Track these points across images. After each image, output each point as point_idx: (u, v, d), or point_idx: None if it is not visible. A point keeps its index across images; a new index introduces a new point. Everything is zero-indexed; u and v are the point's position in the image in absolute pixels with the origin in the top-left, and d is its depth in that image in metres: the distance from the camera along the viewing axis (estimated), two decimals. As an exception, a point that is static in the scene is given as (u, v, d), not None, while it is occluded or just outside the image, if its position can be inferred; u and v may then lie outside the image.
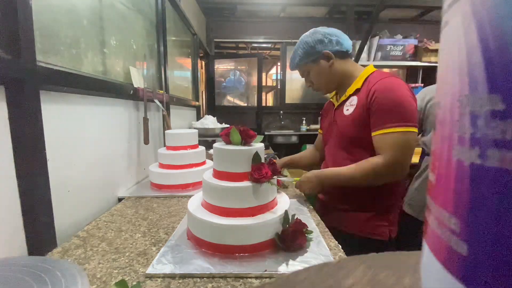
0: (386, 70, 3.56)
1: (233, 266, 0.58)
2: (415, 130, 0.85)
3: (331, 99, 1.14)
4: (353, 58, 1.08)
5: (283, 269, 0.57)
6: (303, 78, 1.13)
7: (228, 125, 0.71)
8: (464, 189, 0.09)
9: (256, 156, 0.66)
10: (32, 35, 0.63)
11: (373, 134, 0.90)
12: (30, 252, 0.64)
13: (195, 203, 0.73)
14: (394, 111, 0.85)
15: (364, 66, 1.05)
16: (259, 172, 0.65)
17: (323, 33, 0.99)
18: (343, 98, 1.02)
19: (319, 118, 1.33)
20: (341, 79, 1.03)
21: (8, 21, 0.58)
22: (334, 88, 1.08)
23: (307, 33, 1.02)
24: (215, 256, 0.61)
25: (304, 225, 0.66)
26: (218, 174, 0.69)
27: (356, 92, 0.97)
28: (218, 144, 0.71)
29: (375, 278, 0.20)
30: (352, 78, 1.01)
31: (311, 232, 0.68)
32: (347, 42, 1.01)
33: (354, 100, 0.97)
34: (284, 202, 0.74)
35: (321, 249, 0.65)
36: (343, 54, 1.02)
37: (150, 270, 0.56)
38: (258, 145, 0.69)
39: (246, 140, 0.68)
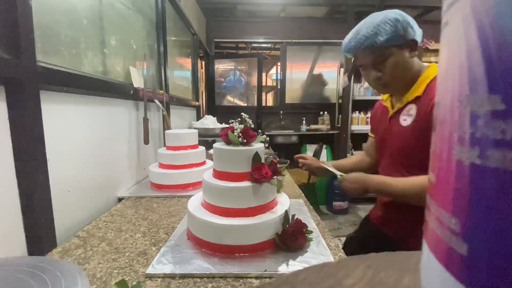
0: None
1: (233, 266, 0.58)
2: None
3: (384, 102, 0.99)
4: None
5: (283, 269, 0.57)
6: (361, 67, 0.91)
7: (228, 125, 0.71)
8: (464, 189, 0.09)
9: (256, 156, 0.66)
10: (32, 35, 0.63)
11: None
12: (30, 252, 0.64)
13: (195, 203, 0.73)
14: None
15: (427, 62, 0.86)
16: (259, 173, 0.65)
17: (409, 17, 0.80)
18: (399, 105, 0.88)
19: (367, 120, 1.23)
20: (410, 78, 0.86)
21: (8, 21, 0.58)
22: (402, 88, 0.88)
23: (387, 11, 0.81)
24: (215, 256, 0.61)
25: (304, 225, 0.66)
26: (218, 174, 0.69)
27: (416, 100, 0.83)
28: (218, 144, 0.71)
29: (375, 278, 0.20)
30: (416, 79, 0.85)
31: (311, 232, 0.68)
32: (420, 35, 0.84)
33: (412, 109, 0.83)
34: (285, 202, 0.74)
35: (321, 249, 0.65)
36: (416, 47, 0.84)
37: (150, 270, 0.56)
38: (258, 145, 0.69)
39: (246, 140, 0.68)
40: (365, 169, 1.10)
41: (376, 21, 0.80)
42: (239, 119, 0.72)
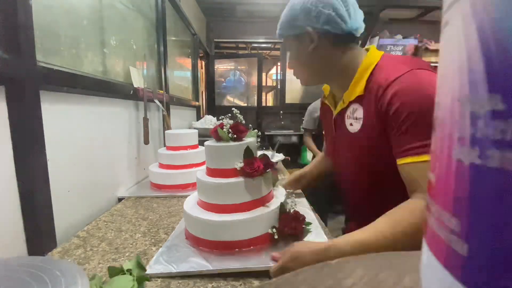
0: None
1: (231, 262, 0.58)
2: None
3: (325, 99, 0.86)
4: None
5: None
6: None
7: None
8: (464, 189, 0.09)
9: (247, 150, 0.66)
10: (32, 35, 0.63)
11: (399, 162, 0.58)
12: (30, 252, 0.64)
13: (191, 202, 0.73)
14: (419, 130, 0.56)
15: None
16: (251, 167, 0.64)
17: (316, 0, 0.66)
18: (341, 104, 0.75)
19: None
20: (329, 73, 0.74)
21: (8, 21, 0.58)
22: (317, 81, 0.79)
23: None
24: (212, 253, 0.61)
25: (301, 215, 0.66)
26: (211, 172, 0.69)
27: (360, 99, 0.68)
28: (209, 142, 0.70)
29: (375, 278, 0.20)
30: (351, 74, 0.70)
31: (310, 223, 0.68)
32: (350, 22, 0.67)
33: (358, 111, 0.69)
34: (280, 196, 0.74)
35: (320, 240, 0.65)
36: (339, 39, 0.69)
37: (148, 271, 0.56)
38: (249, 140, 0.69)
39: (236, 135, 0.68)
40: (329, 167, 0.96)
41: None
42: (229, 115, 0.71)
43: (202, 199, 0.68)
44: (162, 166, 1.13)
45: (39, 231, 0.65)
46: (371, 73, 0.66)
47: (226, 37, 3.72)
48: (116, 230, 0.76)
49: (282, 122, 3.81)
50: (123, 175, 1.12)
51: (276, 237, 0.63)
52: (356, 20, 0.68)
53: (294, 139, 3.53)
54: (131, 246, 0.67)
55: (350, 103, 0.71)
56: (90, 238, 0.71)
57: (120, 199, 1.04)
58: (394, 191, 0.61)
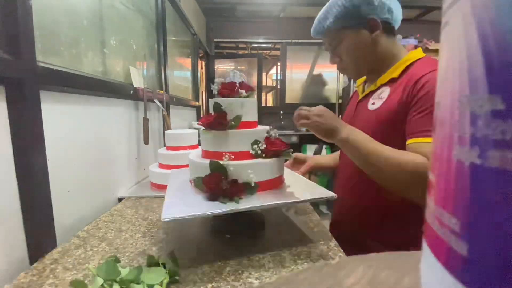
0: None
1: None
2: None
3: (357, 88, 0.90)
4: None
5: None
6: (326, 51, 0.85)
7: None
8: (464, 189, 0.09)
9: (216, 105, 0.68)
10: (32, 35, 0.63)
11: (411, 141, 0.64)
12: (30, 252, 0.64)
13: (194, 154, 0.79)
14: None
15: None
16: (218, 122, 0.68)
17: None
18: (371, 88, 0.79)
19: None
20: (380, 61, 0.77)
21: (8, 21, 0.58)
22: (366, 71, 0.81)
23: None
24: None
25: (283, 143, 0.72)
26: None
27: (391, 82, 0.73)
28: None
29: (375, 278, 0.20)
30: (393, 62, 0.75)
31: (290, 150, 0.74)
32: (399, 13, 0.75)
33: (385, 92, 0.73)
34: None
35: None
36: (391, 29, 0.76)
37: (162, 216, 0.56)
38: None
39: (226, 95, 0.71)
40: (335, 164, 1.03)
41: (328, 3, 0.75)
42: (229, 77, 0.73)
43: (205, 149, 0.73)
44: (162, 166, 1.13)
45: (39, 231, 0.65)
46: (411, 64, 0.73)
47: (226, 37, 3.72)
48: (116, 230, 0.76)
49: (282, 122, 3.80)
50: (123, 175, 1.12)
51: (259, 153, 0.67)
52: (400, 14, 0.76)
53: (294, 139, 3.53)
54: (131, 246, 0.67)
55: (381, 85, 0.76)
56: (90, 238, 0.71)
57: (120, 199, 1.04)
58: None
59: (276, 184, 0.72)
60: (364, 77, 0.87)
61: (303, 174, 0.97)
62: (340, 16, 0.74)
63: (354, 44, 0.76)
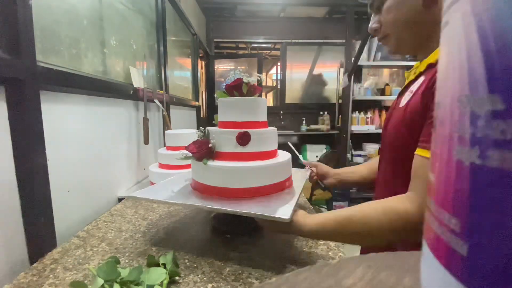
0: (385, 70, 3.57)
1: (234, 205, 0.60)
2: None
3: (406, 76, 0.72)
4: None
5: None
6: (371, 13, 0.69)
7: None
8: (464, 189, 0.09)
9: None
10: (32, 35, 0.63)
11: (417, 152, 0.53)
12: (30, 252, 0.64)
13: None
14: None
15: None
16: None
17: None
18: (410, 78, 0.66)
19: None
20: (428, 35, 0.60)
21: (8, 21, 0.58)
22: (410, 44, 0.64)
23: None
24: (220, 199, 0.65)
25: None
26: (223, 125, 0.75)
27: (427, 69, 0.59)
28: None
29: (375, 278, 0.20)
30: (432, 49, 0.59)
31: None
32: None
33: (417, 83, 0.60)
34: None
35: None
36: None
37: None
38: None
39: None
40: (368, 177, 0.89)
41: None
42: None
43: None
44: (162, 166, 1.13)
45: (39, 231, 0.65)
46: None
47: (226, 37, 3.71)
48: (116, 230, 0.76)
49: (282, 122, 3.80)
50: (123, 175, 1.12)
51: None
52: None
53: (294, 139, 3.53)
54: (131, 246, 0.67)
55: (420, 74, 0.61)
56: (90, 238, 0.71)
57: (120, 199, 1.04)
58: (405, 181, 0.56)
59: (277, 188, 0.70)
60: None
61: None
62: None
63: (404, 7, 0.60)
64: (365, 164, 0.92)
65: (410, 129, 0.57)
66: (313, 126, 3.61)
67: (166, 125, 1.46)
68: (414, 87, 0.61)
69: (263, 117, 0.75)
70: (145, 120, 1.22)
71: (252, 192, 0.66)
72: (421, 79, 0.59)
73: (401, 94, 0.68)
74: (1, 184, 0.59)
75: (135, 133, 1.23)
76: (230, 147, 0.69)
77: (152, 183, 1.14)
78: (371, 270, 0.21)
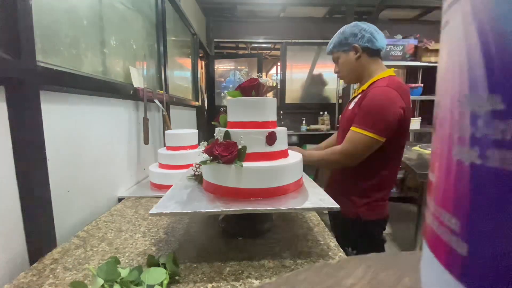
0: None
1: (243, 205, 0.59)
2: (379, 138, 0.97)
3: (354, 90, 1.26)
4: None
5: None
6: (333, 66, 1.25)
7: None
8: (464, 189, 0.09)
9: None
10: (32, 35, 0.63)
11: (351, 128, 1.04)
12: (30, 252, 0.64)
13: None
14: (367, 114, 1.00)
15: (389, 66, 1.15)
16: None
17: (360, 28, 1.07)
18: (355, 94, 1.17)
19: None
20: (362, 74, 1.13)
21: (8, 21, 0.58)
22: (354, 80, 1.18)
23: (348, 24, 1.11)
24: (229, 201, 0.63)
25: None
26: (232, 125, 0.74)
27: (362, 92, 1.09)
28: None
29: (375, 278, 0.20)
30: (369, 78, 1.10)
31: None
32: (380, 42, 1.07)
33: (357, 98, 1.10)
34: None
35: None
36: (372, 52, 1.09)
37: (153, 210, 0.57)
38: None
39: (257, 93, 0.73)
40: None
41: (336, 33, 1.16)
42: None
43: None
44: (162, 166, 1.13)
45: (39, 231, 0.65)
46: (375, 81, 1.07)
47: (226, 37, 3.71)
48: (116, 230, 0.76)
49: (282, 122, 3.80)
50: (123, 175, 1.12)
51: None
52: (382, 41, 1.09)
53: (294, 139, 3.53)
54: (131, 246, 0.67)
55: (358, 94, 1.11)
56: (90, 238, 0.71)
57: (120, 199, 1.04)
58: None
59: (293, 188, 0.70)
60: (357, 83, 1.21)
61: None
62: (337, 43, 1.13)
63: (345, 61, 1.14)
64: (325, 142, 1.43)
65: (351, 120, 1.06)
66: (313, 126, 3.61)
67: (166, 125, 1.46)
68: (356, 100, 1.11)
69: (274, 117, 0.75)
70: (145, 120, 1.22)
71: (280, 191, 0.66)
72: (359, 96, 1.09)
73: (351, 101, 1.18)
74: (1, 184, 0.59)
75: (135, 133, 1.23)
76: (259, 147, 0.68)
77: (152, 183, 1.14)
78: (371, 270, 0.21)
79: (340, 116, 1.35)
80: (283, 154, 0.73)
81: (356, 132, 1.00)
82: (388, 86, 0.99)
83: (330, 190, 1.15)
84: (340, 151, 1.04)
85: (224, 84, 4.10)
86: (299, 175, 0.73)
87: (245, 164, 0.64)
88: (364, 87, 1.09)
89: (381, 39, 1.07)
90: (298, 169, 0.72)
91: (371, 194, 1.08)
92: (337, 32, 1.14)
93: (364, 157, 1.02)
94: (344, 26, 1.11)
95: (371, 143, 0.98)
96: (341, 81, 3.23)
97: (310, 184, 0.75)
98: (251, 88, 0.71)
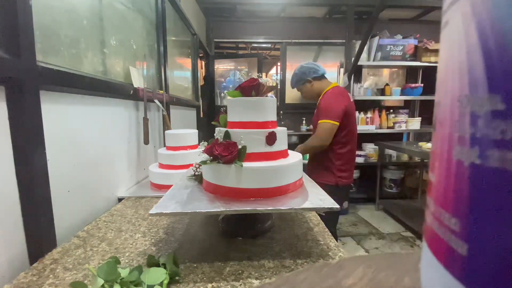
0: (385, 70, 3.57)
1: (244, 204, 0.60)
2: (334, 122, 1.56)
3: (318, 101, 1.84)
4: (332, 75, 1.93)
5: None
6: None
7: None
8: (464, 189, 0.09)
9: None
10: (32, 35, 0.63)
11: (319, 122, 1.61)
12: (30, 252, 0.64)
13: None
14: (324, 110, 1.60)
15: (331, 81, 1.77)
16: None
17: (306, 67, 1.71)
18: (318, 103, 1.74)
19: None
20: (318, 92, 1.72)
21: (8, 21, 0.58)
22: (316, 97, 1.75)
23: (297, 67, 1.74)
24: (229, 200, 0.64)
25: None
26: (232, 125, 0.73)
27: (320, 101, 1.69)
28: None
29: (375, 278, 0.20)
30: (322, 91, 1.70)
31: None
32: (321, 70, 1.71)
33: (318, 105, 1.71)
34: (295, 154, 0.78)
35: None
36: (320, 77, 1.72)
37: (153, 210, 0.57)
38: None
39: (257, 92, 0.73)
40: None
41: (292, 74, 1.78)
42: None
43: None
44: (162, 166, 1.13)
45: (39, 231, 0.65)
46: (325, 92, 1.68)
47: (226, 37, 3.71)
48: (116, 230, 0.76)
49: (282, 122, 3.80)
50: (123, 175, 1.12)
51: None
52: (322, 69, 1.73)
53: (294, 139, 3.53)
54: (131, 246, 0.67)
55: (317, 103, 1.72)
56: (90, 238, 0.71)
57: (120, 199, 1.04)
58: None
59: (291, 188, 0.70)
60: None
61: None
62: (296, 81, 1.76)
63: (306, 90, 1.76)
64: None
65: (316, 120, 1.68)
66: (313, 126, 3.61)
67: (166, 125, 1.46)
68: (318, 105, 1.70)
69: (274, 117, 0.75)
70: (145, 120, 1.22)
71: (280, 191, 0.66)
72: (318, 104, 1.70)
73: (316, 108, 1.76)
74: (1, 184, 0.59)
75: (135, 133, 1.23)
76: (259, 147, 0.68)
77: (152, 183, 1.14)
78: (371, 270, 0.21)
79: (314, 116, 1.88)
80: (283, 154, 0.73)
81: (320, 123, 1.59)
82: (332, 92, 1.64)
83: (311, 164, 1.83)
84: (313, 136, 1.64)
85: (224, 84, 4.10)
86: (299, 175, 0.73)
87: (245, 164, 0.64)
88: (320, 97, 1.69)
89: (321, 68, 1.71)
90: (298, 169, 0.72)
91: (339, 167, 1.67)
92: (292, 75, 1.78)
93: (330, 139, 1.59)
94: (296, 69, 1.75)
95: (331, 127, 1.56)
96: (341, 81, 3.24)
97: (310, 184, 0.75)
98: (251, 88, 0.71)
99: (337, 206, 0.59)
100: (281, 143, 0.72)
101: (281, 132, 0.72)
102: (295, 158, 0.72)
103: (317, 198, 0.64)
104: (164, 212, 0.56)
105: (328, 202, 0.61)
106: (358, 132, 3.30)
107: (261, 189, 0.64)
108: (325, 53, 3.69)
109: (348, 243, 2.42)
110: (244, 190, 0.64)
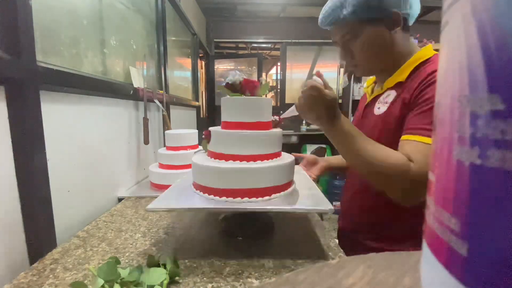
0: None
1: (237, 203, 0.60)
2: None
3: (365, 90, 0.86)
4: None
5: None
6: (336, 44, 0.79)
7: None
8: (464, 189, 0.09)
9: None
10: (32, 35, 0.63)
11: (404, 138, 0.62)
12: (30, 252, 0.64)
13: (200, 156, 0.76)
14: (431, 110, 0.60)
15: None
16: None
17: None
18: (377, 91, 0.76)
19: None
20: (394, 60, 0.71)
21: (8, 21, 0.58)
22: (378, 71, 0.76)
23: None
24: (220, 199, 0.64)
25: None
26: (227, 125, 0.72)
27: (397, 86, 0.70)
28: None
29: (375, 278, 0.20)
30: (402, 62, 0.71)
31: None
32: (417, 9, 0.70)
33: (391, 95, 0.70)
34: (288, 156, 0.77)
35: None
36: (407, 26, 0.71)
37: (149, 206, 0.59)
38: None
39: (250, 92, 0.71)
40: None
41: None
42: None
43: (215, 151, 0.69)
44: (162, 166, 1.13)
45: (39, 231, 0.65)
46: (421, 64, 0.68)
47: (226, 37, 3.72)
48: (116, 230, 0.76)
49: (282, 122, 3.80)
50: (123, 175, 1.12)
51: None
52: (418, 8, 0.70)
53: (294, 139, 3.53)
54: (131, 246, 0.67)
55: (388, 89, 0.73)
56: (90, 238, 0.71)
57: (120, 199, 1.04)
58: None
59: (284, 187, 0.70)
60: (373, 78, 0.84)
61: (317, 176, 0.94)
62: (360, 6, 0.65)
63: (373, 40, 0.69)
64: (334, 157, 1.04)
65: (393, 132, 0.67)
66: (313, 126, 3.61)
67: (166, 125, 1.46)
68: (387, 98, 0.71)
69: (269, 117, 0.75)
70: (145, 120, 1.22)
71: (277, 190, 0.66)
72: (391, 92, 0.71)
73: (367, 106, 0.80)
74: (1, 184, 0.59)
75: (135, 133, 1.23)
76: (254, 148, 0.68)
77: (152, 183, 1.14)
78: (371, 270, 0.21)
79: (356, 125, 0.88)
80: (276, 155, 0.73)
81: (425, 144, 0.57)
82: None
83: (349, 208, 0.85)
84: (418, 171, 0.55)
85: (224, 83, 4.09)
86: (291, 176, 0.72)
87: (242, 165, 0.64)
88: (400, 77, 0.69)
89: (418, 4, 0.70)
90: (291, 170, 0.72)
91: (405, 239, 0.69)
92: None
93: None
94: None
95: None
96: (341, 81, 3.23)
97: (310, 184, 0.75)
98: (251, 88, 0.71)
99: (331, 207, 0.58)
100: (274, 145, 0.72)
101: (277, 133, 0.72)
102: (288, 159, 0.73)
103: (316, 198, 0.64)
104: (161, 207, 0.59)
105: (325, 203, 0.61)
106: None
107: (256, 189, 0.65)
108: (325, 53, 3.69)
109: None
110: (239, 191, 0.65)
